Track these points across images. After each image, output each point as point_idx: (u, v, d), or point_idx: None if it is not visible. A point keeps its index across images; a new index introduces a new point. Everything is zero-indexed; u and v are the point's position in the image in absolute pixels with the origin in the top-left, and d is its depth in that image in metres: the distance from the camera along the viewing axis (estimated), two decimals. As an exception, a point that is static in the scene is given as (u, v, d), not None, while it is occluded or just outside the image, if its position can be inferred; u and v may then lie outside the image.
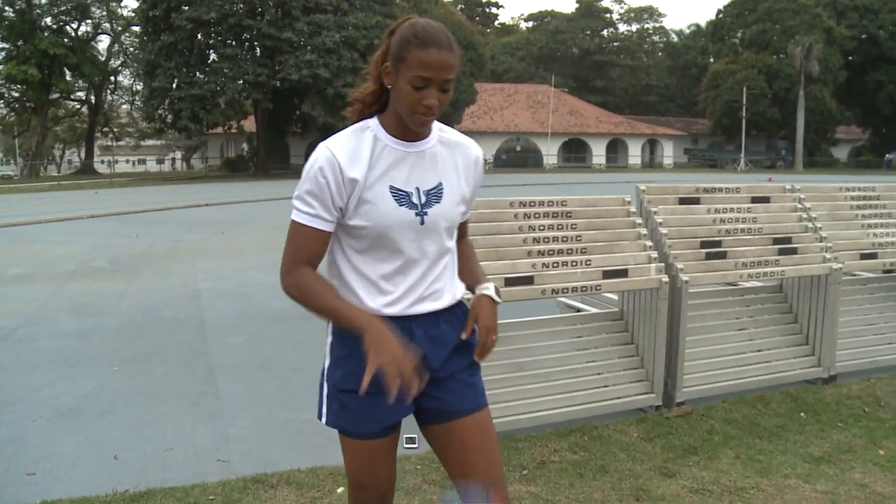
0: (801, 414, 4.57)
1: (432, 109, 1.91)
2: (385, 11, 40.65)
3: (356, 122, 2.02)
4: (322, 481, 3.53)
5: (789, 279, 5.30)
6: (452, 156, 2.08)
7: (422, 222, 1.99)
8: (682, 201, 4.74)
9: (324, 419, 2.10)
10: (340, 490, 3.44)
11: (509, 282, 3.87)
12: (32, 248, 12.49)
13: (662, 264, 4.33)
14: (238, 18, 38.76)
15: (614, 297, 4.88)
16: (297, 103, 42.83)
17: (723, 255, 4.62)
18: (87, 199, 24.79)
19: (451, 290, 2.11)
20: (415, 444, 3.95)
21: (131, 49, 57.81)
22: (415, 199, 1.99)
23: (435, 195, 2.02)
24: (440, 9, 47.41)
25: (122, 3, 57.11)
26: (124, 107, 64.16)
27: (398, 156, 1.98)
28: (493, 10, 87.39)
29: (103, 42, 58.73)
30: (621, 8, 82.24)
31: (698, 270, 4.50)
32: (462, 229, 2.22)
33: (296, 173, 33.99)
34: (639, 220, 4.42)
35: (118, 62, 59.31)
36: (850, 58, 60.20)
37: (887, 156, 61.93)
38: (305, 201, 1.94)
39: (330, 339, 2.09)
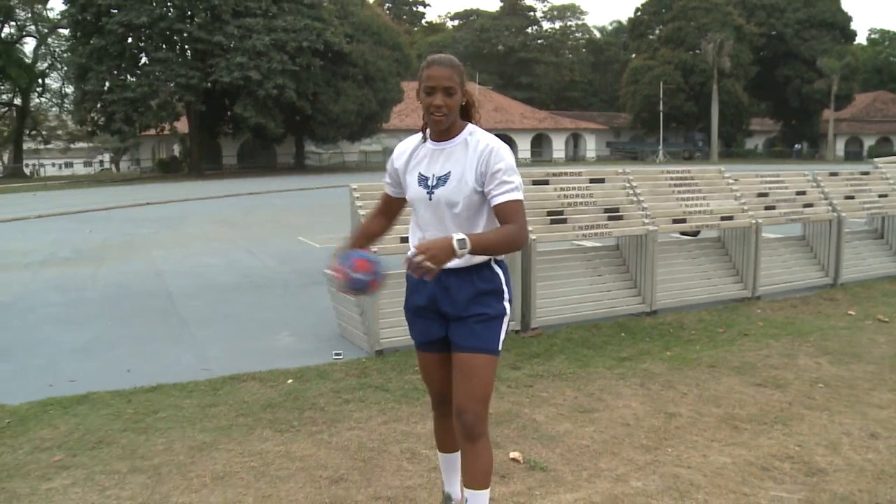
0: (622, 334, 6.35)
1: (441, 108, 2.63)
2: (313, 14, 41.91)
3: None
4: (277, 377, 5.17)
5: (624, 240, 7.09)
6: (467, 151, 2.71)
7: (430, 198, 2.74)
8: (536, 182, 6.46)
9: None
10: (290, 381, 5.06)
11: (405, 240, 5.51)
12: (-7, 245, 13.67)
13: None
14: (169, 23, 39.57)
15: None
16: (228, 104, 43.74)
17: (563, 221, 6.35)
18: (26, 201, 25.55)
19: None
20: (341, 355, 5.62)
21: (59, 51, 57.60)
22: (429, 182, 2.74)
23: (443, 180, 2.71)
24: (367, 10, 48.76)
25: (48, 6, 56.60)
26: (53, 110, 63.72)
27: (429, 152, 2.77)
28: (420, 8, 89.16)
29: (29, 45, 58.26)
30: (544, 6, 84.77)
31: (544, 232, 6.23)
32: (504, 215, 2.64)
33: (229, 173, 34.76)
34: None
35: (45, 65, 59.04)
36: (761, 53, 63.55)
37: (796, 146, 65.60)
38: (386, 171, 2.97)
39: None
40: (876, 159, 9.50)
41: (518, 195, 2.65)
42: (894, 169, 9.09)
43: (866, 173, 8.83)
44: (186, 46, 42.48)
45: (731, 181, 7.62)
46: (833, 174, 8.53)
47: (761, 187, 7.84)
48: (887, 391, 4.85)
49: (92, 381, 5.20)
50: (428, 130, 2.80)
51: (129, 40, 41.08)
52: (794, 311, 7.24)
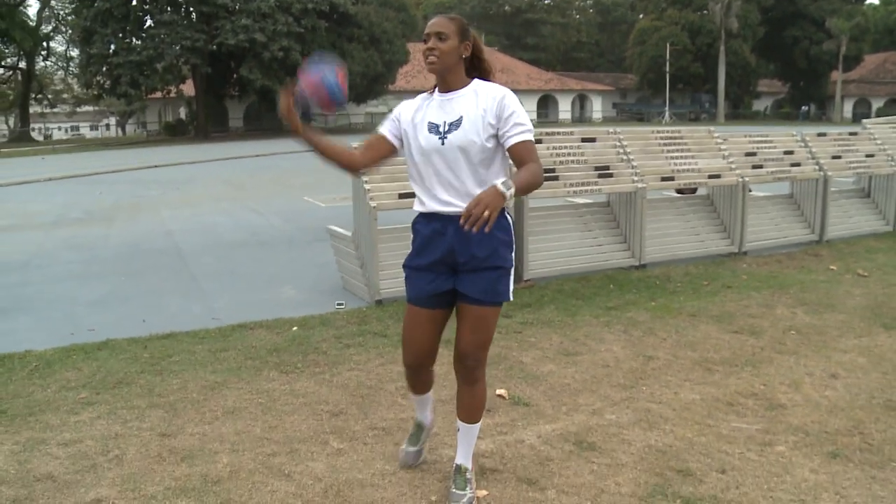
0: (611, 286, 6.67)
1: (433, 51, 2.80)
2: (318, -25, 41.74)
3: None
4: (282, 325, 5.52)
5: (614, 197, 7.38)
6: (477, 98, 2.84)
7: (442, 143, 2.83)
8: (529, 142, 6.73)
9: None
10: (295, 329, 5.41)
11: (403, 196, 5.81)
12: (6, 206, 14.03)
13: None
14: (174, -16, 39.53)
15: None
16: (234, 67, 43.81)
17: (556, 178, 6.64)
18: (35, 164, 25.89)
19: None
20: (343, 305, 5.96)
21: (63, 14, 57.50)
22: (441, 129, 2.84)
23: (455, 125, 2.82)
24: (372, -29, 48.46)
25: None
26: (59, 73, 63.77)
27: (436, 103, 2.89)
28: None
29: (32, 7, 58.20)
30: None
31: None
32: (520, 155, 2.80)
33: (235, 136, 35.07)
34: (494, 155, 6.41)
35: (50, 28, 58.96)
36: (769, 14, 62.94)
37: (802, 107, 65.28)
38: (385, 119, 3.05)
39: (412, 236, 3.02)
40: (864, 120, 9.72)
41: (531, 136, 2.82)
42: (882, 129, 9.32)
43: (854, 133, 9.07)
44: (191, 9, 42.34)
45: (719, 140, 7.88)
46: (821, 134, 8.77)
47: (749, 147, 8.09)
48: (853, 337, 5.17)
49: (110, 330, 5.54)
50: (436, 89, 2.93)
51: (134, 3, 41.06)
52: (778, 265, 7.54)
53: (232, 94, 49.31)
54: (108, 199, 14.69)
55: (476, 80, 2.91)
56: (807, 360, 4.71)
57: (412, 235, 3.02)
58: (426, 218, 2.94)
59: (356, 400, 4.14)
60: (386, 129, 3.00)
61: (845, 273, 7.14)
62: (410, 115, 2.94)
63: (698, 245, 7.73)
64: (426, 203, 2.91)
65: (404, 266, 3.05)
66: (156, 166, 22.93)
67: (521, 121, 2.80)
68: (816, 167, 8.32)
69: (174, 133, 49.39)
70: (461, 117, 2.82)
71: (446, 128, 2.82)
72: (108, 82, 42.24)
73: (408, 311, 3.04)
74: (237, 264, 8.00)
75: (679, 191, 8.41)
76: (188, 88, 46.96)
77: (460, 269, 2.90)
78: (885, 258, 7.75)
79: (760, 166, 7.97)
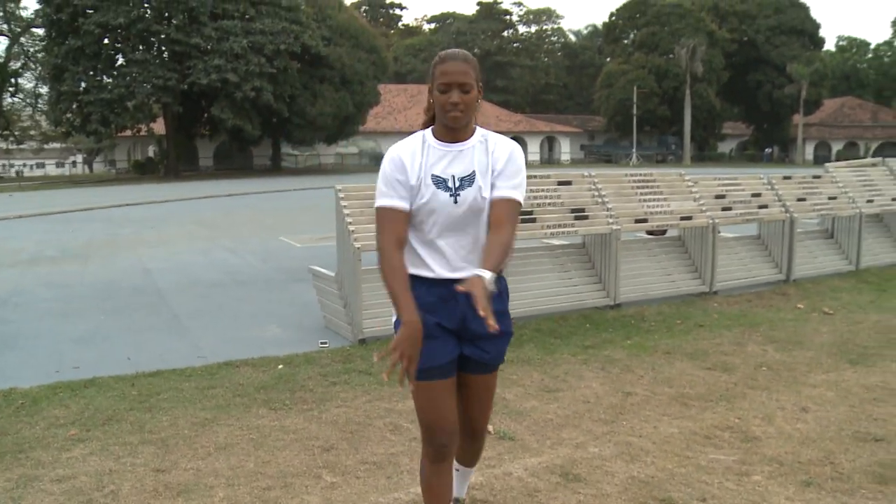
0: (587, 325, 6.84)
1: (458, 105, 2.47)
2: (291, 17, 42.18)
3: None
4: (268, 363, 5.60)
5: (589, 239, 7.58)
6: (487, 152, 2.58)
7: (455, 202, 2.52)
8: (507, 184, 6.93)
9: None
10: (280, 367, 5.49)
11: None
12: (-22, 244, 13.94)
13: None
14: (146, 24, 39.73)
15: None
16: (205, 106, 43.93)
17: (533, 220, 6.83)
18: (3, 202, 25.67)
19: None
20: (327, 343, 6.07)
21: (32, 51, 57.31)
22: (450, 184, 2.53)
23: (468, 181, 2.53)
24: (344, 13, 49.04)
25: (21, 5, 56.29)
26: (27, 110, 63.30)
27: (440, 153, 2.57)
28: (397, 11, 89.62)
29: (0, 44, 58.07)
30: (520, 10, 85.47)
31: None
32: (500, 211, 2.51)
33: (206, 175, 35.00)
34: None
35: (19, 64, 58.65)
36: (733, 59, 64.59)
37: (766, 150, 66.79)
38: (381, 191, 2.55)
39: None
40: (827, 164, 10.08)
41: (518, 196, 2.57)
42: (843, 173, 9.68)
43: (818, 177, 9.41)
44: (164, 48, 42.59)
45: (690, 183, 8.14)
46: (786, 177, 9.10)
47: (719, 189, 8.37)
48: (822, 373, 5.37)
49: (95, 367, 5.59)
50: (429, 130, 2.64)
51: (106, 41, 41.14)
52: (748, 304, 7.77)
53: (203, 134, 49.43)
54: (82, 236, 14.66)
55: (480, 129, 2.65)
56: (778, 395, 4.89)
57: None
58: (426, 284, 2.60)
59: (346, 435, 4.23)
60: (397, 199, 2.56)
61: (812, 311, 7.38)
62: (414, 169, 2.57)
63: (670, 285, 7.95)
64: (434, 269, 2.59)
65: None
66: (127, 205, 22.88)
67: (517, 177, 2.58)
68: (783, 209, 8.62)
69: (143, 171, 49.21)
70: (473, 172, 2.56)
71: (457, 183, 2.54)
72: (78, 120, 42.08)
73: (425, 389, 2.64)
74: (217, 303, 8.07)
75: (650, 232, 8.64)
76: (158, 127, 46.92)
77: (470, 336, 2.64)
78: (849, 297, 8.02)
79: (730, 208, 8.24)
